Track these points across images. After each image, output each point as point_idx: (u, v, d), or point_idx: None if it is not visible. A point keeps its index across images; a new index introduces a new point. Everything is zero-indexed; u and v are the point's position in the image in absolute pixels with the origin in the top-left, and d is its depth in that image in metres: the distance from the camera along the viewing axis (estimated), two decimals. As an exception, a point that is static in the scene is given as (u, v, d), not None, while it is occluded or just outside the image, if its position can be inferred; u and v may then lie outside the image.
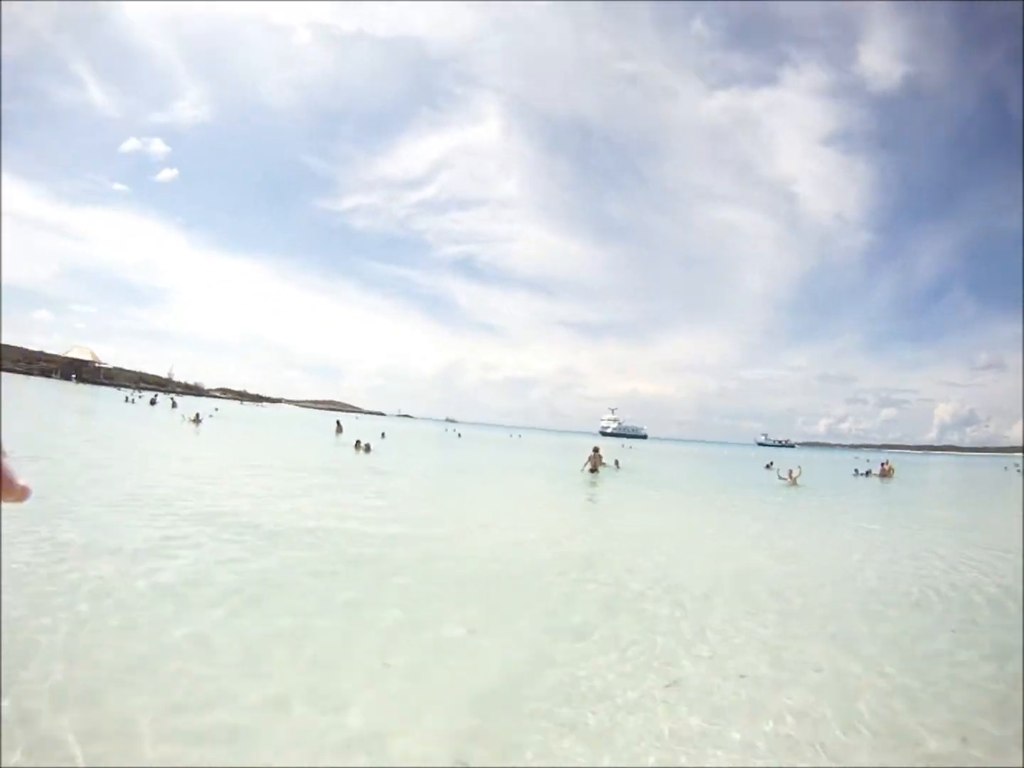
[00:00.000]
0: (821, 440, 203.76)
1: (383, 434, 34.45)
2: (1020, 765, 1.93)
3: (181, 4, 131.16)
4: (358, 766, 2.38)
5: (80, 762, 2.11)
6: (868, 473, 26.92)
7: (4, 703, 2.44)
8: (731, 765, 2.46)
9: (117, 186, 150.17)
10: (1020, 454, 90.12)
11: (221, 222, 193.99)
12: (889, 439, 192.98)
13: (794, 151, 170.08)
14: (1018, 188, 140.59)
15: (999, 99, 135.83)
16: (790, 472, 24.60)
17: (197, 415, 28.11)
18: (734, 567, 6.66)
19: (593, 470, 18.02)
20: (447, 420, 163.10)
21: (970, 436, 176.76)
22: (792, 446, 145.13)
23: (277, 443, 24.47)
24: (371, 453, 18.34)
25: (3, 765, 1.72)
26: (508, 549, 6.96)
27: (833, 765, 2.37)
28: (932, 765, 1.97)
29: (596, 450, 18.70)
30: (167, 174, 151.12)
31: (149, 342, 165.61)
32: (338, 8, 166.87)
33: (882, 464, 27.41)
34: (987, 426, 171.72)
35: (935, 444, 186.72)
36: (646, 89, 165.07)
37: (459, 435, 59.67)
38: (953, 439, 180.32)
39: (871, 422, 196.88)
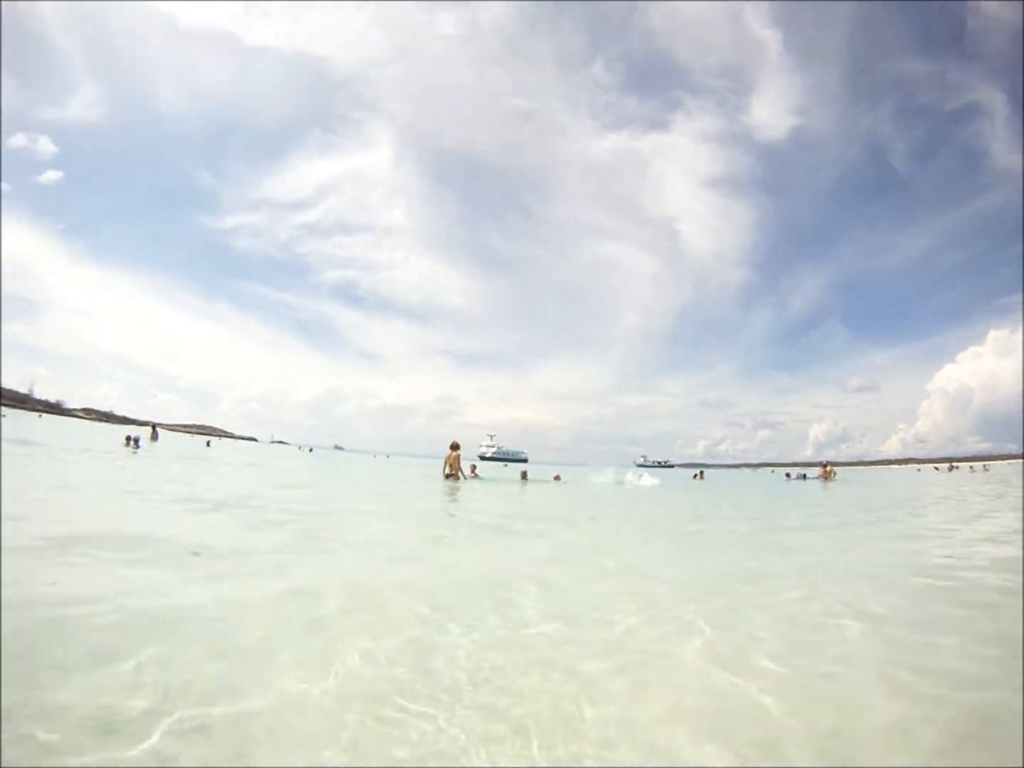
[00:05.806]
0: (699, 461, 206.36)
1: (208, 443, 33.82)
2: (1020, 765, 2.08)
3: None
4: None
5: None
6: (804, 477, 27.14)
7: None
8: None
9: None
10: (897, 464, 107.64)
11: (102, 232, 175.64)
12: (765, 458, 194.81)
13: (679, 192, 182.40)
14: (893, 230, 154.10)
15: (882, 151, 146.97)
16: (823, 466, 24.64)
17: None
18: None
19: (450, 475, 15.08)
20: (335, 447, 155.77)
21: (844, 452, 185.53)
22: (671, 466, 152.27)
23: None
24: (140, 448, 18.79)
25: (3, 765, 1.55)
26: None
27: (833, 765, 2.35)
28: (932, 765, 2.00)
29: (454, 447, 15.35)
30: (51, 176, 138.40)
31: (11, 355, 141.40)
32: (248, 18, 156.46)
33: (823, 465, 25.89)
34: (861, 442, 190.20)
35: (811, 461, 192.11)
36: (540, 126, 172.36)
37: (311, 450, 58.18)
38: (828, 455, 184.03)
39: (748, 443, 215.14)
